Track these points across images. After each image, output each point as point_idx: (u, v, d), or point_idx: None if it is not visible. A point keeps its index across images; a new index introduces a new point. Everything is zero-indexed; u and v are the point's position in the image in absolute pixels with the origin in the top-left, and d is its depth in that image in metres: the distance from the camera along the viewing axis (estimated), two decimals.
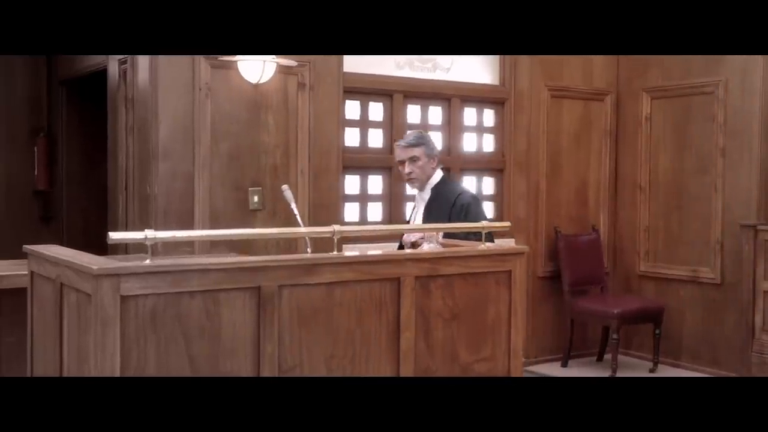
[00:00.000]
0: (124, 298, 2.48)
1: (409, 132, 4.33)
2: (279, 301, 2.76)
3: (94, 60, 5.81)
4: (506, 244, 4.63)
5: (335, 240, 2.93)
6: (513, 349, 3.34)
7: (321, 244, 3.19)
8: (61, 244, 6.45)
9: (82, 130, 6.62)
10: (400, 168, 4.14)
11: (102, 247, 6.20)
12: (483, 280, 3.26)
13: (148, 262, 2.55)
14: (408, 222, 4.24)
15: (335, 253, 2.92)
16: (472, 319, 3.23)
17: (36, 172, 6.74)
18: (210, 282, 2.63)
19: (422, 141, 4.06)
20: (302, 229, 3.00)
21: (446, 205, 3.97)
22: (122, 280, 2.48)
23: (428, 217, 3.99)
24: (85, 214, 6.59)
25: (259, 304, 2.72)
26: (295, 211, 3.12)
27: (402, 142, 4.09)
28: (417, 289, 3.06)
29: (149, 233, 2.56)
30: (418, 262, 3.07)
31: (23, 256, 5.05)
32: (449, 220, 3.88)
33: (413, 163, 4.01)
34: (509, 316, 3.33)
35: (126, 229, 5.17)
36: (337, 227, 2.92)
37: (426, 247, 3.24)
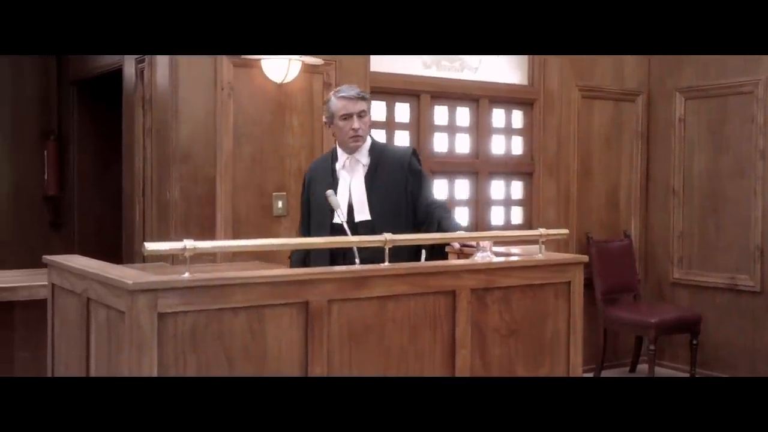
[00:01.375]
0: (161, 316, 2.24)
1: (345, 85, 3.55)
2: (328, 318, 2.51)
3: (109, 60, 5.57)
4: (533, 251, 4.34)
5: (387, 250, 2.68)
6: (572, 366, 3.09)
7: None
8: (73, 251, 6.25)
9: (94, 133, 6.37)
10: (340, 122, 3.33)
11: (115, 255, 5.97)
12: (541, 292, 3.01)
13: (187, 275, 2.30)
14: (331, 197, 3.23)
15: (387, 264, 2.67)
16: (530, 335, 2.98)
17: (46, 177, 6.48)
18: (254, 297, 2.39)
19: (367, 95, 3.44)
20: (352, 239, 2.74)
21: (398, 171, 3.37)
22: (160, 295, 2.23)
23: (373, 187, 3.34)
24: (98, 220, 6.33)
25: (307, 320, 2.48)
26: (342, 219, 2.87)
27: (350, 92, 3.34)
28: (473, 302, 2.81)
29: (188, 243, 2.30)
30: (474, 273, 2.82)
31: (35, 264, 4.81)
32: (406, 191, 3.35)
33: (361, 118, 3.32)
34: (568, 330, 3.09)
35: (144, 236, 4.92)
36: (389, 236, 2.67)
37: (479, 257, 2.98)
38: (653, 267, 6.60)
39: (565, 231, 3.17)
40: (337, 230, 3.24)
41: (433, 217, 3.29)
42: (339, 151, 3.44)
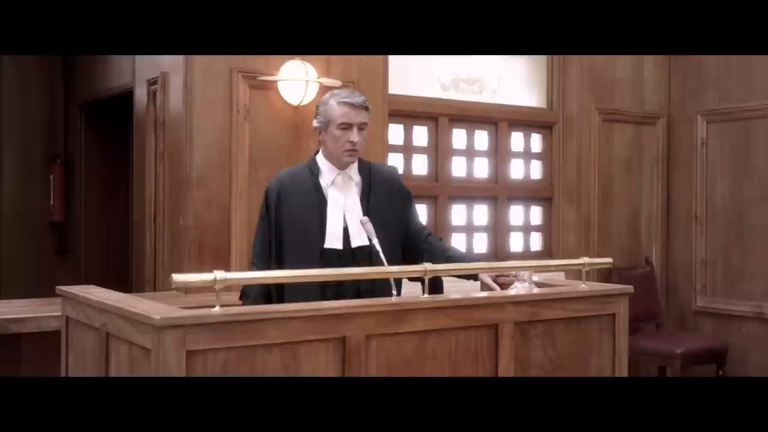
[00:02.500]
0: (190, 354, 2.06)
1: (346, 89, 3.13)
2: (366, 354, 2.34)
3: (118, 81, 5.42)
4: (557, 279, 4.16)
5: (426, 281, 2.50)
6: None
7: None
8: (78, 279, 6.06)
9: (101, 157, 6.18)
10: (336, 131, 2.88)
11: (122, 284, 5.76)
12: (586, 325, 2.85)
13: (217, 309, 2.13)
14: (324, 218, 2.89)
15: (427, 296, 2.49)
16: (574, 372, 2.80)
17: (51, 202, 6.28)
18: (289, 333, 2.21)
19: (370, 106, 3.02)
20: (391, 269, 2.56)
21: (392, 193, 3.02)
22: (189, 332, 2.06)
23: (371, 207, 2.93)
24: (105, 248, 6.12)
25: (344, 357, 2.30)
26: (378, 247, 2.69)
27: (355, 99, 2.90)
28: (516, 337, 2.64)
29: (219, 275, 2.13)
30: (517, 305, 2.66)
31: (40, 293, 4.63)
32: (399, 213, 3.01)
33: (361, 132, 2.91)
34: (613, 367, 2.92)
35: (155, 265, 4.74)
36: (429, 266, 2.49)
37: (519, 288, 2.80)
38: (675, 295, 6.42)
39: (609, 260, 3.00)
40: (332, 258, 2.84)
41: (434, 247, 3.00)
42: (324, 164, 2.96)
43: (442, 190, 5.52)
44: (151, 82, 4.77)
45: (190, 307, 2.44)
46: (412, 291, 2.73)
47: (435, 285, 2.80)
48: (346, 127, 2.87)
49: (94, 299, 2.44)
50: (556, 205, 6.03)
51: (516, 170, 5.91)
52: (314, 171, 2.97)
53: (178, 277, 2.10)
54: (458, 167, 5.64)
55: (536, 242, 6.04)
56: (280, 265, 2.82)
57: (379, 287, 2.74)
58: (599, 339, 2.87)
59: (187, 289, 4.02)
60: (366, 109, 2.93)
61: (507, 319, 2.61)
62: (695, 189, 6.26)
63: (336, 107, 2.89)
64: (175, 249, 4.55)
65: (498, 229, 5.79)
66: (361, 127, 2.90)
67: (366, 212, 2.90)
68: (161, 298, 3.72)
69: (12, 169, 6.19)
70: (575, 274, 4.99)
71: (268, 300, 2.83)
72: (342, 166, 2.94)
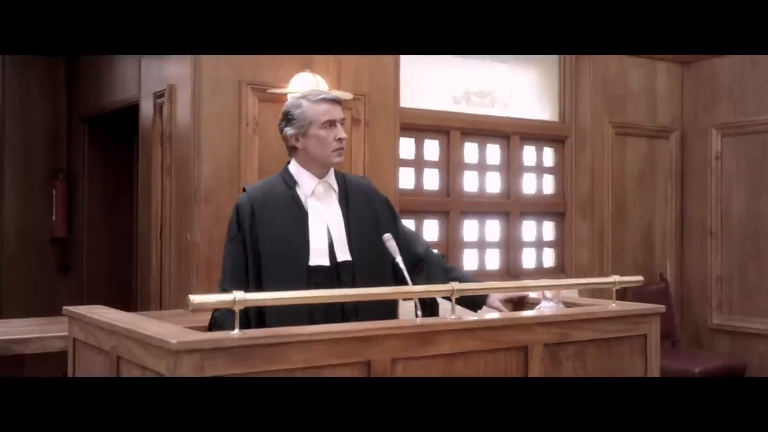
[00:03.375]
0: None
1: (310, 89, 2.94)
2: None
3: (123, 95, 5.31)
4: (579, 297, 4.02)
5: (453, 300, 2.38)
6: None
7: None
8: (81, 296, 5.92)
9: (105, 172, 6.05)
10: (321, 132, 2.65)
11: (126, 301, 5.64)
12: (617, 346, 2.72)
13: (236, 332, 2.00)
14: (307, 233, 2.63)
15: (453, 317, 2.36)
16: None
17: (54, 218, 6.15)
18: (312, 357, 2.09)
19: None
20: (417, 288, 2.42)
21: (369, 201, 2.79)
22: (207, 356, 1.93)
23: (350, 220, 2.70)
24: (109, 264, 5.99)
25: None
26: (402, 266, 2.55)
27: (329, 95, 2.73)
28: (546, 359, 2.51)
29: (239, 296, 2.00)
30: (546, 326, 2.53)
31: (42, 311, 4.50)
32: (382, 220, 2.77)
33: (342, 127, 2.72)
34: None
35: (161, 282, 4.61)
36: (456, 285, 2.37)
37: (546, 307, 2.68)
38: (690, 312, 6.29)
39: (639, 278, 2.87)
40: (318, 276, 2.59)
41: (433, 264, 2.82)
42: (301, 174, 2.70)
43: (454, 206, 5.40)
44: (158, 95, 4.66)
45: (199, 328, 2.33)
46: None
47: (430, 308, 2.68)
48: (331, 124, 2.66)
49: (103, 320, 2.31)
50: (569, 220, 5.92)
51: (528, 185, 5.80)
52: (290, 183, 2.71)
53: (195, 299, 1.97)
54: (470, 182, 5.52)
55: (549, 258, 5.92)
56: (259, 288, 2.53)
57: (364, 305, 2.57)
58: (631, 361, 2.74)
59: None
60: (340, 104, 2.74)
61: (536, 340, 2.48)
62: (710, 203, 6.14)
63: (314, 106, 2.66)
64: (182, 265, 4.43)
65: (510, 245, 5.67)
66: (342, 122, 2.70)
67: (346, 222, 2.68)
68: (167, 317, 3.59)
69: (14, 183, 6.07)
70: (598, 293, 4.89)
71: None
72: (322, 174, 2.70)
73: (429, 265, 2.83)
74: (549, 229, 5.92)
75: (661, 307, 2.83)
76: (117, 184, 6.00)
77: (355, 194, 2.76)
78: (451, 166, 5.39)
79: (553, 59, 5.87)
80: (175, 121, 4.51)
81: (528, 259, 5.79)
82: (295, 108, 2.70)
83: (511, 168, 5.68)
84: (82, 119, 6.06)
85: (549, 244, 5.92)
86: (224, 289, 2.48)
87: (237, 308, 2.01)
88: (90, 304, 2.70)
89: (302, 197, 2.69)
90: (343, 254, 2.65)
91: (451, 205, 5.39)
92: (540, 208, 5.85)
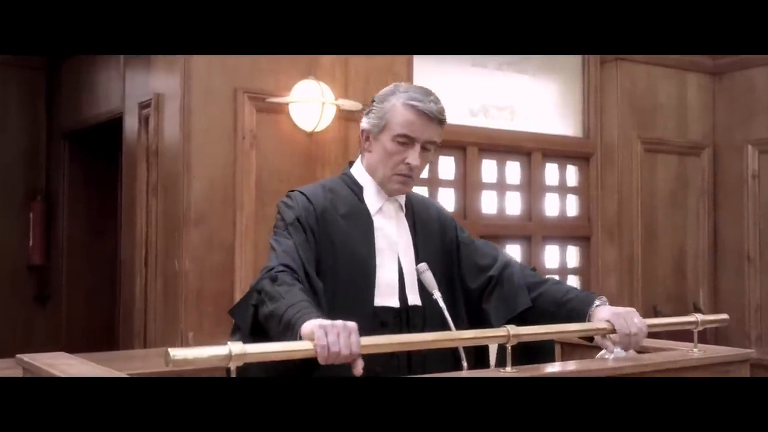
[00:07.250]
0: None
1: (418, 87, 2.16)
2: None
3: (107, 107, 4.86)
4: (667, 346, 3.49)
5: (509, 348, 1.86)
6: None
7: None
8: (60, 329, 5.40)
9: (87, 192, 5.60)
10: (390, 145, 2.07)
11: (109, 336, 5.13)
12: None
13: None
14: (373, 261, 2.09)
15: (510, 368, 1.85)
16: None
17: (31, 243, 5.69)
18: None
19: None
20: (466, 334, 1.89)
21: (441, 222, 2.30)
22: None
23: (421, 247, 2.18)
24: (89, 295, 5.51)
25: None
26: (441, 303, 2.03)
27: (429, 105, 2.06)
28: None
29: (235, 348, 1.50)
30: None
31: (17, 347, 3.95)
32: (450, 249, 2.29)
33: (425, 153, 2.10)
34: None
35: (146, 314, 4.12)
36: (513, 329, 1.85)
37: (615, 353, 2.16)
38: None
39: (725, 316, 2.38)
40: (387, 318, 2.07)
41: (545, 293, 2.22)
42: (367, 181, 2.17)
43: (471, 228, 4.81)
44: (143, 105, 4.20)
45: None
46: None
47: (538, 351, 2.14)
48: (406, 141, 2.06)
49: (58, 375, 1.80)
50: (595, 244, 5.42)
51: (551, 206, 5.31)
52: (354, 188, 2.15)
53: (176, 354, 1.46)
54: (488, 202, 5.03)
55: (574, 285, 5.42)
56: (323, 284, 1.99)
57: (433, 356, 2.05)
58: None
59: (177, 365, 3.39)
60: (441, 123, 2.10)
61: None
62: (747, 226, 5.65)
63: (400, 109, 2.06)
64: (169, 297, 3.95)
65: None
66: (426, 146, 2.08)
67: (418, 248, 2.15)
68: (153, 356, 3.10)
69: None
70: None
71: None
72: (390, 194, 2.14)
73: (502, 285, 2.25)
74: (573, 254, 5.43)
75: (750, 352, 2.34)
76: (100, 207, 5.57)
77: (418, 217, 2.22)
78: (468, 185, 4.91)
79: (576, 70, 5.41)
80: (162, 134, 4.06)
81: None
82: (383, 100, 2.12)
83: (532, 187, 5.19)
84: (63, 135, 5.61)
85: (573, 271, 5.43)
86: (273, 269, 1.92)
87: (233, 365, 1.50)
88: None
89: (371, 210, 2.14)
90: (414, 296, 2.13)
91: (468, 228, 4.85)
92: (564, 232, 5.36)
